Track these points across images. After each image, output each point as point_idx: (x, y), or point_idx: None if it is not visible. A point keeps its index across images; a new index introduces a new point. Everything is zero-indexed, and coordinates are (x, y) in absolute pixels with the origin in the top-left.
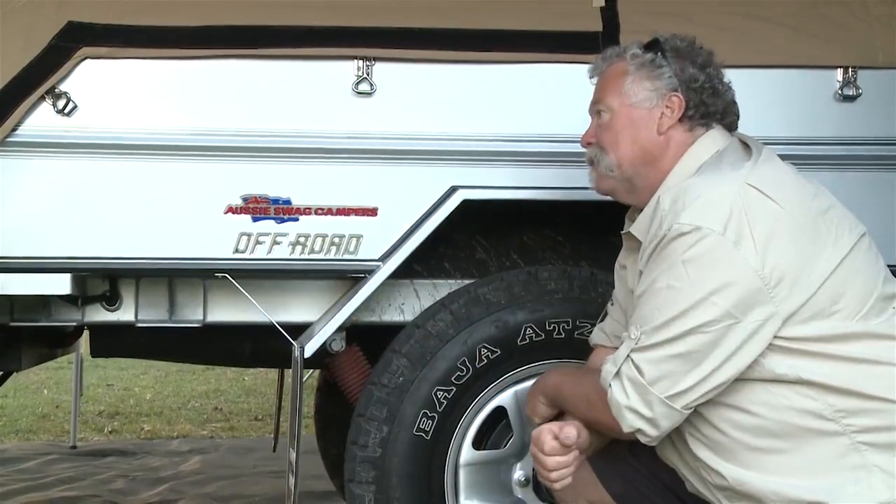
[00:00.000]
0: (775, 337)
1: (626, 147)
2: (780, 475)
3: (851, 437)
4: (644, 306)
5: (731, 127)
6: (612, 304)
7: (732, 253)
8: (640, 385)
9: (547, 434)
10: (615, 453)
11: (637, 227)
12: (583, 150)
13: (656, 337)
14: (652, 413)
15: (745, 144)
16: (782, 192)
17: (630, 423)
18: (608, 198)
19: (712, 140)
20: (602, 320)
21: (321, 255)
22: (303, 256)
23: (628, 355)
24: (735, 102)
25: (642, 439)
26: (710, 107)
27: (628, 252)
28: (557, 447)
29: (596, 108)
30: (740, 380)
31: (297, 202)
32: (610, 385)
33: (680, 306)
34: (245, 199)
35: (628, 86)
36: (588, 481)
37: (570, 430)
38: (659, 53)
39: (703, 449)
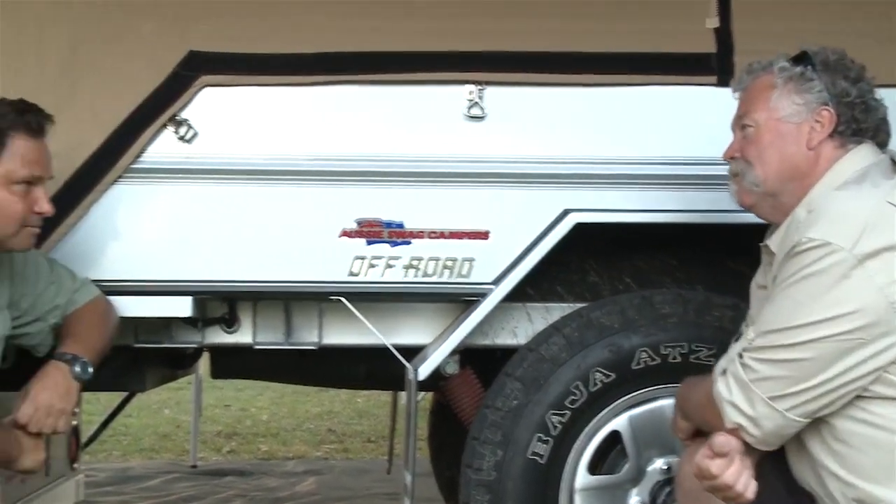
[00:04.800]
0: None
1: (772, 162)
2: None
3: None
4: (766, 311)
5: (882, 145)
6: (746, 325)
7: (858, 270)
8: (743, 382)
9: (703, 459)
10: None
11: (773, 240)
12: (698, 171)
13: (769, 340)
14: (754, 412)
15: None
16: None
17: (731, 417)
18: (725, 221)
19: (860, 157)
20: (737, 340)
21: (434, 278)
22: (416, 279)
23: (740, 353)
24: (886, 120)
25: (747, 439)
26: (861, 123)
27: (768, 268)
28: (722, 462)
29: (741, 123)
30: (872, 396)
31: (409, 225)
32: (716, 380)
33: (799, 318)
34: (359, 223)
35: (776, 100)
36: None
37: (719, 438)
38: (808, 66)
39: (837, 466)
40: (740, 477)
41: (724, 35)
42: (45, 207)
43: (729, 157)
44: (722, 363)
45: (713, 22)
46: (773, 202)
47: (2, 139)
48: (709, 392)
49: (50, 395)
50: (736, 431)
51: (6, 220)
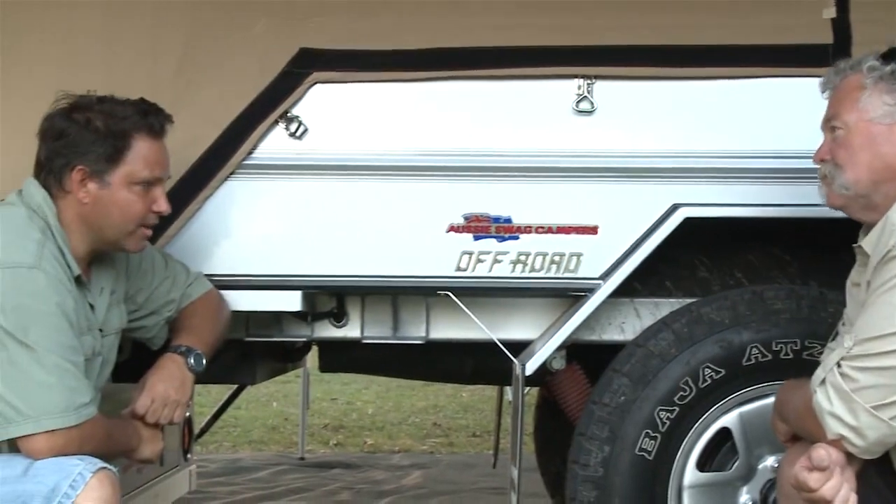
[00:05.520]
0: None
1: (864, 164)
2: None
3: None
4: (863, 317)
5: None
6: (842, 324)
7: None
8: (844, 392)
9: (801, 471)
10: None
11: (867, 241)
12: (812, 165)
13: (868, 348)
14: (857, 422)
15: None
16: None
17: (833, 429)
18: (838, 214)
19: None
20: (833, 339)
21: (541, 274)
22: (523, 274)
23: (838, 362)
24: None
25: (851, 449)
26: None
27: (862, 268)
28: (820, 476)
29: (830, 125)
30: None
31: (517, 221)
32: (815, 391)
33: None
34: (467, 218)
35: (865, 100)
36: None
37: (818, 451)
38: None
39: None
40: (839, 491)
41: (841, 26)
42: (163, 207)
43: (819, 161)
44: (819, 373)
45: (830, 13)
46: (864, 203)
47: (126, 140)
48: (807, 401)
49: (166, 387)
50: (838, 443)
51: (126, 219)
